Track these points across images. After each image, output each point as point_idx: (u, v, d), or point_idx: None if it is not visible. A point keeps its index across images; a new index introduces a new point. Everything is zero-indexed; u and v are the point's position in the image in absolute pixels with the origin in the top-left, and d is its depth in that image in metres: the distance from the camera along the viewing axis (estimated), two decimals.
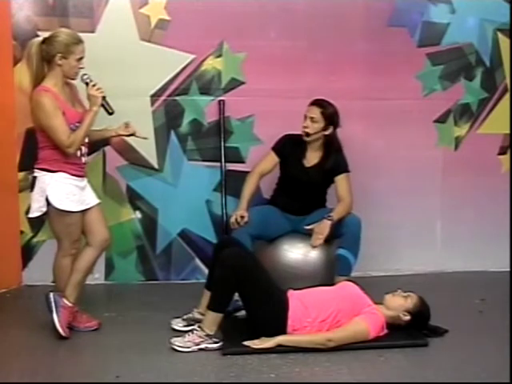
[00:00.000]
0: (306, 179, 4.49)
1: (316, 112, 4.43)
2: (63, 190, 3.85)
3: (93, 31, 4.82)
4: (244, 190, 4.52)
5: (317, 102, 4.48)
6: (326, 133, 4.46)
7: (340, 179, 4.49)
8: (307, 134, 4.46)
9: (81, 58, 3.84)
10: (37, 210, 3.91)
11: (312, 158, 4.54)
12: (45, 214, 3.92)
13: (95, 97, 3.85)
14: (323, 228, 4.33)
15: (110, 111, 3.93)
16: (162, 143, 5.02)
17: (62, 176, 3.86)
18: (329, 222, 4.33)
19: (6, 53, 4.76)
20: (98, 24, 4.85)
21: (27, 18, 4.79)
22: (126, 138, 4.93)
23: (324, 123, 4.44)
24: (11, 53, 4.77)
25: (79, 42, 3.84)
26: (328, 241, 4.43)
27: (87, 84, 3.88)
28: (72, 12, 4.82)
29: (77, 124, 3.84)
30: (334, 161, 4.49)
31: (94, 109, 3.85)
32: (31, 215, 3.98)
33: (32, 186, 3.93)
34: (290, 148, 4.54)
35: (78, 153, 3.91)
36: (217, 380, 3.41)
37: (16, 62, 4.77)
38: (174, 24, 4.91)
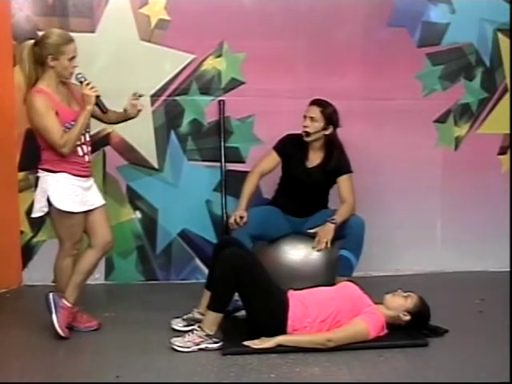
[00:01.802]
0: (308, 180, 4.48)
1: (315, 111, 4.43)
2: (65, 191, 3.85)
3: (93, 31, 4.82)
4: (244, 189, 4.51)
5: (316, 102, 4.47)
6: (327, 132, 4.46)
7: (343, 180, 4.48)
8: (307, 134, 4.45)
9: (73, 58, 3.82)
10: (39, 210, 3.91)
11: (314, 158, 4.53)
12: (47, 214, 3.92)
13: (89, 96, 3.83)
14: (327, 232, 4.33)
15: (105, 110, 3.93)
16: (162, 143, 5.02)
17: (64, 176, 3.85)
18: (332, 226, 4.33)
19: (6, 53, 4.76)
20: (97, 24, 4.85)
21: (27, 17, 4.80)
22: (126, 138, 4.95)
23: (324, 122, 4.43)
24: (11, 53, 4.77)
25: (69, 41, 3.82)
26: (331, 243, 4.43)
27: (81, 83, 3.87)
28: (72, 12, 4.82)
29: (72, 123, 3.83)
30: (337, 161, 4.48)
31: (87, 108, 3.84)
32: (33, 215, 3.98)
33: (36, 186, 3.93)
34: (291, 148, 4.53)
35: (81, 152, 3.91)
36: (217, 380, 3.41)
37: (16, 62, 4.76)
38: (173, 24, 4.91)
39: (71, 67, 3.84)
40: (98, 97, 3.87)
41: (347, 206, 4.42)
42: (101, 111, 3.93)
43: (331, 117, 4.44)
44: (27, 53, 3.81)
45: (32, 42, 3.86)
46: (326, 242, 4.31)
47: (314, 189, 4.53)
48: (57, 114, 3.79)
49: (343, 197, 4.45)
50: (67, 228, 3.91)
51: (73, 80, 3.92)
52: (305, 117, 4.45)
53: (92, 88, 3.85)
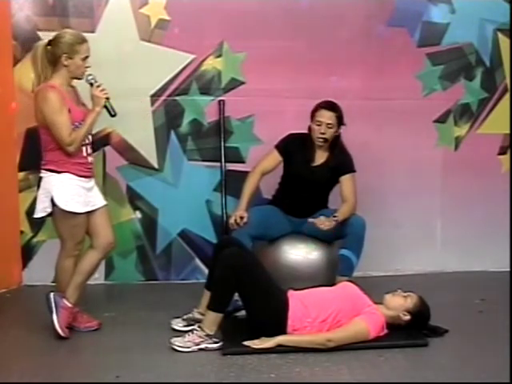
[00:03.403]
0: (312, 178, 4.47)
1: (332, 117, 4.42)
2: (69, 191, 3.85)
3: (93, 31, 4.82)
4: (244, 189, 4.50)
5: (329, 107, 4.44)
6: (337, 133, 4.48)
7: (346, 179, 4.47)
8: (325, 140, 4.45)
9: (86, 57, 3.85)
10: (42, 210, 3.91)
11: (319, 157, 4.52)
12: (49, 214, 3.91)
13: (99, 98, 3.85)
14: (328, 220, 4.30)
15: (113, 113, 3.91)
16: (162, 143, 5.02)
17: (67, 177, 3.85)
18: (333, 222, 4.31)
19: (6, 53, 4.77)
20: (98, 24, 4.86)
21: (27, 17, 4.80)
22: (126, 138, 4.96)
23: (337, 126, 4.45)
24: (11, 53, 4.78)
25: (83, 41, 3.85)
26: (330, 242, 4.43)
27: (92, 84, 3.88)
28: (72, 12, 4.83)
29: (82, 122, 3.84)
30: (341, 158, 4.49)
31: (96, 109, 3.86)
32: (36, 216, 3.97)
33: (38, 187, 3.93)
34: (294, 147, 4.52)
35: (85, 152, 3.92)
36: (217, 380, 3.41)
37: (16, 61, 4.78)
38: (173, 24, 4.92)
39: (84, 67, 3.86)
40: (107, 99, 3.87)
41: (349, 206, 4.41)
42: (109, 114, 3.92)
43: (342, 118, 4.47)
44: (41, 52, 3.83)
45: (45, 41, 3.88)
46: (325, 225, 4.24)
47: (317, 187, 4.52)
48: (69, 111, 3.80)
49: (345, 196, 4.45)
50: (70, 228, 3.91)
51: (82, 82, 3.92)
52: (319, 122, 4.42)
53: (102, 90, 3.86)
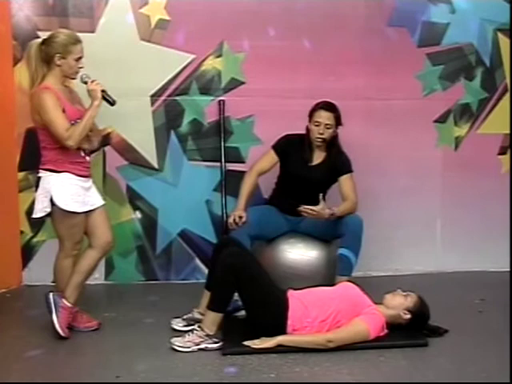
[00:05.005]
0: (310, 177, 4.48)
1: (331, 118, 4.43)
2: (68, 191, 3.85)
3: (93, 31, 4.82)
4: (242, 189, 4.51)
5: (328, 107, 4.45)
6: (335, 134, 4.49)
7: (344, 179, 4.48)
8: (324, 141, 4.46)
9: (79, 58, 3.86)
10: (40, 210, 3.91)
11: (316, 157, 4.54)
12: (48, 214, 3.91)
13: (94, 90, 3.85)
14: (320, 208, 4.26)
15: (112, 101, 3.91)
16: (162, 143, 5.02)
17: (66, 177, 3.86)
18: (328, 211, 4.26)
19: (6, 53, 4.77)
20: (97, 24, 4.85)
21: (27, 17, 4.80)
22: (126, 138, 4.96)
23: (335, 126, 4.46)
24: (11, 53, 4.78)
25: (77, 41, 3.85)
26: (327, 241, 4.43)
27: (86, 83, 3.89)
28: (72, 12, 4.83)
29: (78, 120, 3.84)
30: (339, 160, 4.50)
31: (95, 103, 3.85)
32: (35, 216, 3.97)
33: (37, 187, 3.93)
34: (291, 147, 4.54)
35: (82, 152, 3.92)
36: (217, 380, 3.41)
37: (16, 61, 4.78)
38: (173, 24, 4.92)
39: (77, 67, 3.86)
40: (103, 91, 3.87)
41: (350, 203, 4.41)
42: (109, 104, 3.92)
43: (340, 119, 4.48)
44: (35, 51, 3.83)
45: (40, 40, 3.88)
46: (312, 212, 4.21)
47: (315, 186, 4.51)
48: (63, 111, 3.80)
49: (346, 195, 4.45)
50: (68, 228, 3.91)
51: (78, 82, 3.93)
52: (318, 123, 4.43)
53: (97, 84, 3.86)
